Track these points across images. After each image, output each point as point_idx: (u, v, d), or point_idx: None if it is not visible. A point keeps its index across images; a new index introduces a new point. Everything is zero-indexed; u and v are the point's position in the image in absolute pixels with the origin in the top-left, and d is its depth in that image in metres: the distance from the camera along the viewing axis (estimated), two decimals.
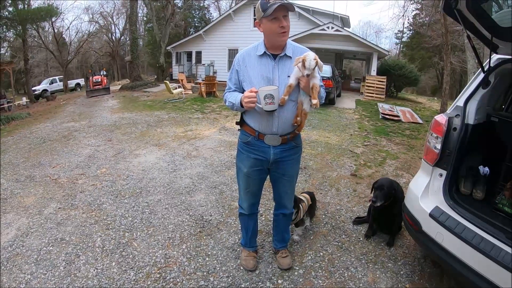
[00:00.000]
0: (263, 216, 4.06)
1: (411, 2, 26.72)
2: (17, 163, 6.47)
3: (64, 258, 3.32)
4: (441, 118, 2.85)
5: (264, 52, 2.52)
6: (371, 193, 3.58)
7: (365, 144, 7.65)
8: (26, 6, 22.41)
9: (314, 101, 2.41)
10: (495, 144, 3.09)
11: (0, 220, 4.14)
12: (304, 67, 2.35)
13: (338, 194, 4.78)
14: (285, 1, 2.36)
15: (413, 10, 34.19)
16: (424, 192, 2.85)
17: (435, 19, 22.48)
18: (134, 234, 3.73)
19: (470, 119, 2.82)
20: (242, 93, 2.58)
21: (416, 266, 3.23)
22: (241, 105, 2.50)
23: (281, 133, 2.61)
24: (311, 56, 2.36)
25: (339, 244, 3.55)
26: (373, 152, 7.04)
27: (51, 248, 3.52)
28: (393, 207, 3.35)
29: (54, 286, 2.94)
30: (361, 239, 3.66)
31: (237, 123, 2.82)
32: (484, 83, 2.84)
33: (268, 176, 2.90)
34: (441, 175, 2.81)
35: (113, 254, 3.37)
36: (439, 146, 2.80)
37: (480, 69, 2.89)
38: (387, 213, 3.44)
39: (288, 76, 2.49)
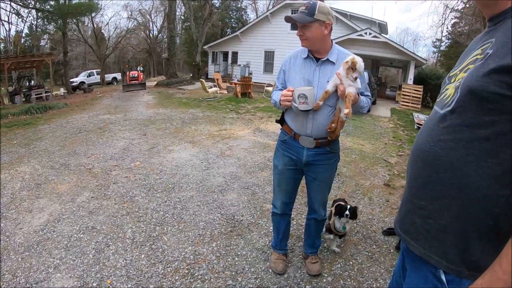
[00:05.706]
0: (295, 220, 4.04)
1: (450, 11, 25.89)
2: (53, 151, 6.69)
3: (94, 246, 3.41)
4: None
5: (308, 55, 2.55)
6: None
7: (399, 154, 7.49)
8: (67, 0, 23.11)
9: (346, 110, 2.33)
10: None
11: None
12: (353, 70, 2.30)
13: (370, 203, 4.69)
14: None
15: (452, 19, 33.31)
16: None
17: (475, 28, 21.81)
18: (165, 228, 3.79)
19: None
20: None
21: None
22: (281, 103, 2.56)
23: (315, 136, 2.59)
24: (360, 59, 2.32)
25: (369, 254, 3.49)
26: (407, 163, 6.83)
27: (81, 235, 3.62)
28: None
29: (82, 273, 3.01)
30: (391, 250, 3.58)
31: (277, 121, 2.85)
32: None
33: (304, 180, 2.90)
34: None
35: (142, 246, 3.43)
36: None
37: None
38: None
39: (328, 81, 2.46)
